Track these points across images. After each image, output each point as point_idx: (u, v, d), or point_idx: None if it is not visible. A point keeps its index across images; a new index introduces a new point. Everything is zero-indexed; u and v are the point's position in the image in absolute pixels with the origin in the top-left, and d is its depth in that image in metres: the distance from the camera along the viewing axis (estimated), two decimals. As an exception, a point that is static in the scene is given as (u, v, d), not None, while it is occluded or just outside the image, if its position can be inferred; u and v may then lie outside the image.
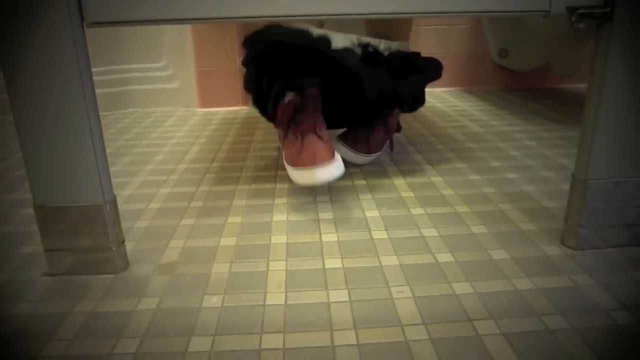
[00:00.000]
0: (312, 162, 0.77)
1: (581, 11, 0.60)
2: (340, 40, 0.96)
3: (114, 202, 0.66)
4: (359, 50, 0.98)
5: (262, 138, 1.32)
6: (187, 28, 1.67)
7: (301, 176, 0.79)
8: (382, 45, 1.02)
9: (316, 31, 0.92)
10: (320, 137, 0.81)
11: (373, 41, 1.01)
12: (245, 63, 0.96)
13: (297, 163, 0.79)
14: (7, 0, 0.55)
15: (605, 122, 0.64)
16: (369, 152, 1.05)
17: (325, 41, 0.90)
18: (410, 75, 1.02)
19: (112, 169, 1.08)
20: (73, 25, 0.57)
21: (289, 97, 0.90)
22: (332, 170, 0.77)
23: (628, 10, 0.60)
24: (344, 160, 0.86)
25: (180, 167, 1.10)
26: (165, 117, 1.63)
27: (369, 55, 0.99)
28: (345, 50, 0.93)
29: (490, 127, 1.37)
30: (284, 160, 0.86)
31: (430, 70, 1.08)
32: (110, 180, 0.65)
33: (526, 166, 1.05)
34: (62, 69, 0.58)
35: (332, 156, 0.78)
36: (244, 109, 1.70)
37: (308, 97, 0.87)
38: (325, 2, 0.58)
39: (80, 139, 0.61)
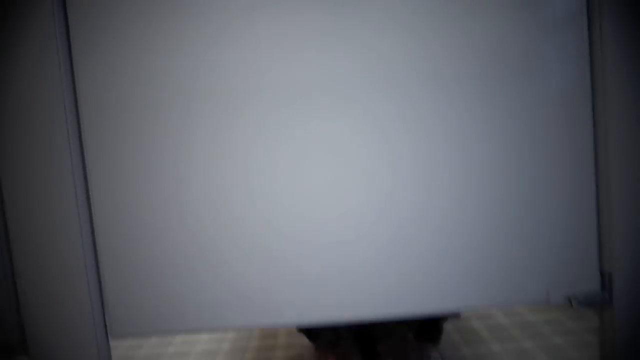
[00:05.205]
0: None
1: (580, 299, 0.62)
2: None
3: None
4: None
5: None
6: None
7: None
8: None
9: None
10: None
11: None
12: None
13: None
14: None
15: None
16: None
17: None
18: None
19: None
20: (98, 339, 0.61)
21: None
22: None
23: (627, 291, 0.61)
24: None
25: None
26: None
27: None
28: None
29: (516, 315, 1.35)
30: None
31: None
32: None
33: (555, 382, 1.01)
34: None
35: None
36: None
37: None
38: (326, 311, 0.61)
39: None
